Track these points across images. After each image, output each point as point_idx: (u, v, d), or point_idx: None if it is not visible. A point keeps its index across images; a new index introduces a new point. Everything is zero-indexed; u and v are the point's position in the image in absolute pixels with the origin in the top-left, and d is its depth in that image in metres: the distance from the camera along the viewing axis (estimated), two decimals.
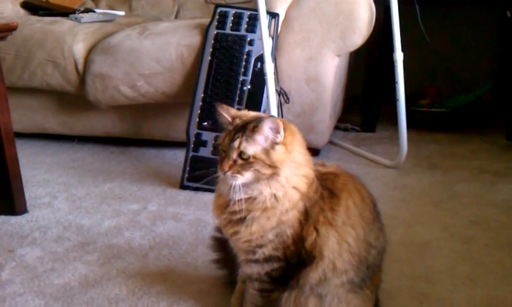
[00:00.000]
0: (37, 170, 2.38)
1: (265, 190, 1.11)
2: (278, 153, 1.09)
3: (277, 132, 1.09)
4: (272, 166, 1.09)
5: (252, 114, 1.18)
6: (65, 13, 2.85)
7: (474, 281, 1.46)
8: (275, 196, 1.12)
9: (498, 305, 1.36)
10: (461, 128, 2.90)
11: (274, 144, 1.09)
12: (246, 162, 1.10)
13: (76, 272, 1.54)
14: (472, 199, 2.00)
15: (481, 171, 2.30)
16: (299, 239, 1.14)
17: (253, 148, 1.09)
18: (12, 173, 1.89)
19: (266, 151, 1.09)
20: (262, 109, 2.13)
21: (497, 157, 2.49)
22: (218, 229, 1.43)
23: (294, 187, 1.13)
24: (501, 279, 1.47)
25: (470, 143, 2.68)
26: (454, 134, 2.82)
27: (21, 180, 1.93)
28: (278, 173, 1.10)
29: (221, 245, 1.42)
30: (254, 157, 1.09)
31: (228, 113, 1.16)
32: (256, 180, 1.11)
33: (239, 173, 1.10)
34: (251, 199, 1.13)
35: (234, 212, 1.14)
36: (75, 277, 1.51)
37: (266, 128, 1.08)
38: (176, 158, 2.49)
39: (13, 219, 1.89)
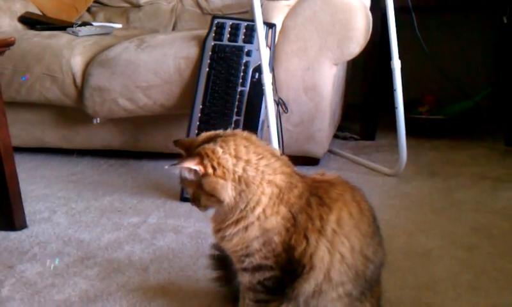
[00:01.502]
0: (36, 184, 2.37)
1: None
2: (207, 184, 1.10)
3: (194, 172, 1.10)
4: (212, 195, 1.11)
5: (197, 142, 1.17)
6: (63, 26, 2.85)
7: (477, 289, 1.45)
8: (239, 204, 1.11)
9: None
10: (460, 134, 2.90)
11: (201, 178, 1.11)
12: (196, 196, 1.14)
13: (76, 287, 1.53)
14: (472, 206, 1.99)
15: (481, 177, 2.29)
16: (289, 247, 1.12)
17: (189, 188, 1.15)
18: (11, 188, 1.88)
19: (200, 186, 1.12)
20: (261, 119, 2.13)
21: (497, 162, 2.49)
22: (215, 247, 1.42)
23: (249, 187, 1.11)
24: (504, 286, 1.46)
25: (470, 149, 2.67)
26: (453, 141, 2.82)
27: (20, 195, 1.93)
28: (220, 199, 1.11)
29: (220, 263, 1.41)
30: (195, 193, 1.14)
31: (182, 148, 1.19)
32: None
33: (199, 206, 1.16)
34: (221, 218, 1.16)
35: (217, 230, 1.17)
36: (75, 293, 1.50)
37: (183, 174, 1.12)
38: None
39: (13, 235, 1.88)
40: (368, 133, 2.93)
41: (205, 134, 1.19)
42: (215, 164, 1.10)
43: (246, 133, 1.17)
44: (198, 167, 1.10)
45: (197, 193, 1.14)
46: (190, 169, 1.10)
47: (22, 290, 1.52)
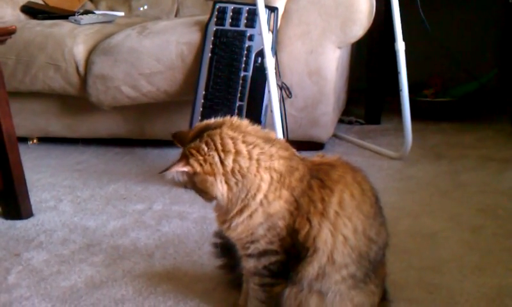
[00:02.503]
0: (42, 174, 2.38)
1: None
2: (199, 182, 1.12)
3: (184, 173, 1.12)
4: (206, 193, 1.13)
5: (188, 137, 1.17)
6: (65, 15, 2.84)
7: (483, 270, 1.44)
8: (239, 195, 1.11)
9: (508, 293, 1.35)
10: (466, 117, 2.88)
11: (192, 177, 1.12)
12: (196, 192, 1.16)
13: (82, 274, 1.53)
14: (478, 188, 1.98)
15: (488, 159, 2.28)
16: (293, 231, 1.12)
17: (190, 189, 1.16)
18: (16, 178, 1.89)
19: (193, 184, 1.13)
20: (264, 104, 2.12)
21: (503, 144, 2.47)
22: (218, 235, 1.42)
23: (246, 177, 1.10)
24: (510, 267, 1.46)
25: (476, 132, 2.66)
26: (459, 123, 2.80)
27: (25, 184, 1.93)
28: (213, 196, 1.12)
29: (223, 250, 1.41)
30: (194, 190, 1.15)
31: (178, 141, 1.20)
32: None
33: (201, 198, 1.17)
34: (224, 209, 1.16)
35: (223, 221, 1.18)
36: (81, 279, 1.51)
37: (177, 178, 1.13)
38: None
39: (19, 223, 1.89)
40: (373, 117, 2.91)
41: (197, 126, 1.19)
42: (201, 161, 1.10)
43: (235, 121, 1.16)
44: (186, 168, 1.11)
45: (196, 191, 1.15)
46: (179, 172, 1.12)
47: (29, 277, 1.53)
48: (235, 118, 1.17)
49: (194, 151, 1.11)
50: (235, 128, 1.14)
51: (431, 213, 1.81)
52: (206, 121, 1.18)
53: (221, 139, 1.11)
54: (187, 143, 1.15)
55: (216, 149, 1.10)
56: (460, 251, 1.55)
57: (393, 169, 2.22)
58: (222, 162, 1.10)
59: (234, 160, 1.10)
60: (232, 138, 1.11)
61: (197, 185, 1.12)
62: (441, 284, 1.39)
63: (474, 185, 2.01)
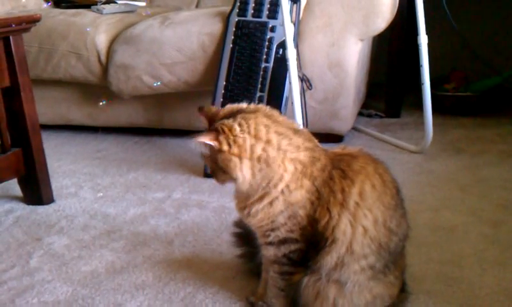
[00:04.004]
0: (62, 161, 2.41)
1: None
2: (221, 160, 1.10)
3: (210, 147, 1.11)
4: (226, 172, 1.12)
5: (219, 115, 1.16)
6: (87, 4, 2.87)
7: (503, 265, 1.43)
8: (260, 182, 1.11)
9: None
10: (488, 112, 2.84)
11: (216, 153, 1.11)
12: (214, 171, 1.16)
13: (103, 259, 1.55)
14: (499, 183, 1.96)
15: (509, 154, 2.25)
16: (313, 220, 1.12)
17: (207, 163, 1.17)
18: (38, 164, 1.92)
19: (215, 161, 1.12)
20: (285, 95, 2.12)
21: None
22: (237, 224, 1.43)
23: (270, 166, 1.10)
24: None
25: (497, 127, 2.63)
26: (480, 118, 2.77)
27: (47, 170, 1.96)
28: (233, 177, 1.11)
29: (243, 239, 1.42)
30: (212, 168, 1.16)
31: (205, 117, 1.19)
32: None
33: (217, 180, 1.18)
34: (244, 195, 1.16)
35: (242, 208, 1.18)
36: (102, 264, 1.52)
37: (200, 148, 1.13)
38: None
39: (40, 209, 1.91)
40: (393, 110, 2.89)
41: (229, 107, 1.18)
42: (231, 142, 1.09)
43: (268, 110, 1.16)
44: (214, 143, 1.10)
45: (214, 168, 1.15)
46: (206, 144, 1.11)
47: (50, 262, 1.55)
48: (267, 107, 1.17)
49: (226, 129, 1.10)
50: (269, 116, 1.14)
51: (451, 207, 1.79)
52: (239, 105, 1.17)
53: (256, 124, 1.11)
54: (218, 120, 1.14)
55: (249, 133, 1.10)
56: (480, 245, 1.54)
57: (413, 162, 2.21)
58: (252, 148, 1.09)
59: (263, 149, 1.10)
60: (266, 126, 1.11)
61: (218, 162, 1.11)
62: (461, 278, 1.38)
63: (495, 180, 1.99)
